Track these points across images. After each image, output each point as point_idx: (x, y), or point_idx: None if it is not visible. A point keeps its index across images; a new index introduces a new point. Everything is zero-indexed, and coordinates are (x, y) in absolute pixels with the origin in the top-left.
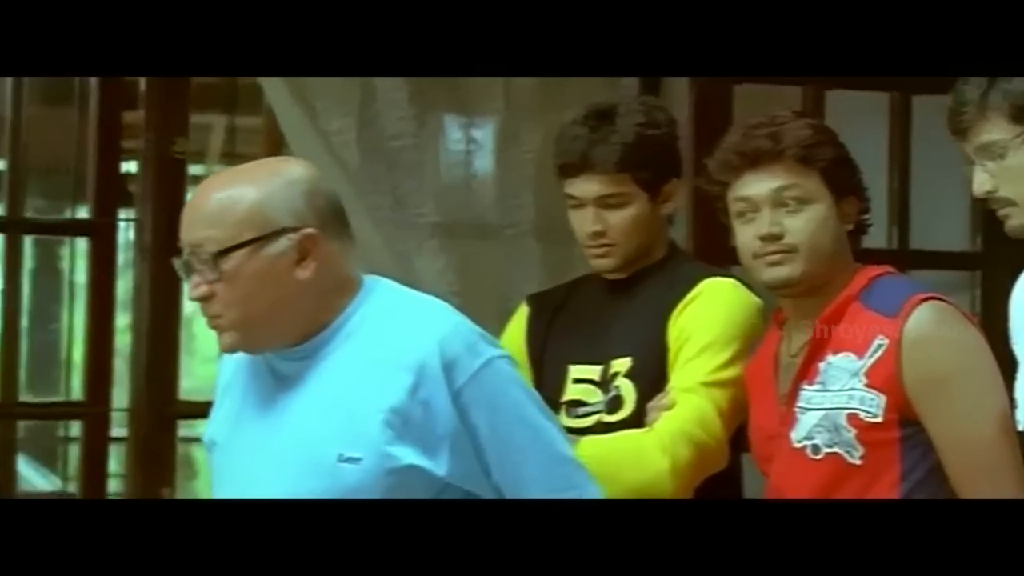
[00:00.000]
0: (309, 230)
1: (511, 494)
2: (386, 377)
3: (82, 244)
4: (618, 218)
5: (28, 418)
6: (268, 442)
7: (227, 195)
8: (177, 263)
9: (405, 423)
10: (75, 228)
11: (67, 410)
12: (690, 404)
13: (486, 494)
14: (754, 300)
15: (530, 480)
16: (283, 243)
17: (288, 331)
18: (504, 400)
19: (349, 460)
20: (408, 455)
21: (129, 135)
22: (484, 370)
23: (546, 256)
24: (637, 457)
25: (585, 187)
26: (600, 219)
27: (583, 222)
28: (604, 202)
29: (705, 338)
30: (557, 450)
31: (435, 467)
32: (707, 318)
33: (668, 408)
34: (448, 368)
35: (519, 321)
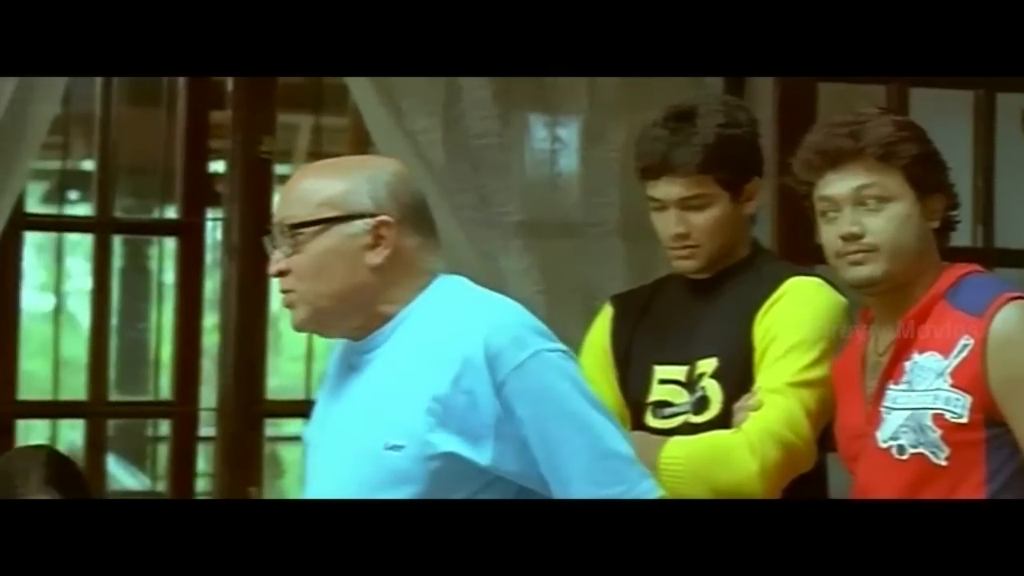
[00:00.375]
0: (385, 217)
1: (556, 488)
2: (432, 367)
3: (170, 244)
4: (701, 219)
5: (117, 417)
6: (334, 435)
7: (316, 179)
8: (266, 240)
9: (447, 411)
10: (163, 228)
11: (156, 409)
12: (777, 405)
13: (537, 487)
14: (839, 299)
15: (575, 474)
16: (358, 226)
17: (354, 315)
18: (549, 393)
19: (394, 448)
20: (448, 442)
21: (217, 135)
22: (529, 362)
23: (631, 254)
24: (726, 458)
25: (667, 189)
26: (683, 221)
27: (666, 224)
28: (686, 204)
29: (791, 338)
30: (605, 444)
31: (477, 456)
32: (792, 318)
33: (755, 409)
34: (492, 359)
35: (603, 322)
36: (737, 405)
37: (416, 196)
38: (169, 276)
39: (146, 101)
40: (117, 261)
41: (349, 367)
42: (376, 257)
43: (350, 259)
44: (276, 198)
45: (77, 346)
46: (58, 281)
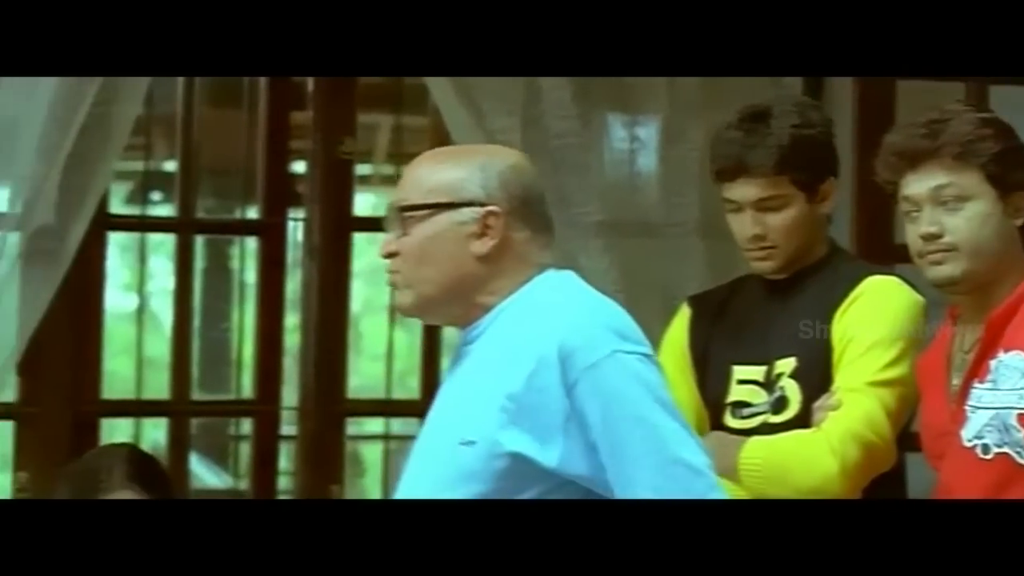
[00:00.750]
0: (494, 208)
1: (621, 495)
2: (511, 364)
3: (252, 244)
4: (777, 220)
5: (200, 416)
6: (427, 427)
7: (432, 165)
8: (385, 220)
9: (519, 409)
10: (245, 228)
11: (238, 408)
12: (857, 404)
13: (605, 493)
14: (917, 298)
15: (639, 481)
16: (467, 214)
17: (456, 304)
18: (620, 395)
19: (467, 443)
20: (516, 441)
21: (297, 135)
22: (602, 363)
23: (710, 254)
24: (806, 459)
25: (743, 191)
26: (759, 222)
27: (743, 226)
28: (762, 205)
29: (870, 337)
30: (672, 452)
31: (544, 457)
32: (871, 317)
33: (835, 409)
34: (565, 359)
35: (681, 322)
36: (816, 404)
37: (530, 189)
38: (250, 276)
39: (228, 102)
40: (199, 261)
41: (455, 358)
42: (482, 247)
43: (456, 246)
44: (358, 197)
45: (159, 346)
46: (141, 281)
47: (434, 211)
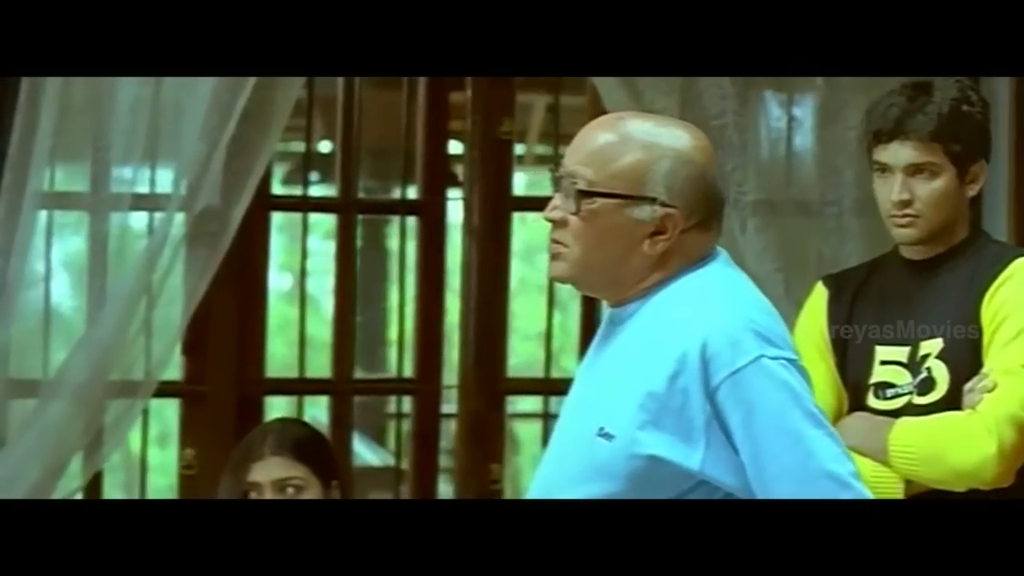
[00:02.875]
0: (674, 211)
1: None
2: (653, 360)
3: (411, 223)
4: (926, 189)
5: (362, 394)
6: (567, 409)
7: (618, 141)
8: (551, 175)
9: (661, 409)
10: (404, 208)
11: (399, 386)
12: (1013, 386)
13: (746, 494)
14: None
15: (783, 493)
16: (646, 211)
17: (615, 288)
18: (764, 403)
19: (606, 435)
20: (655, 443)
21: (456, 115)
22: (746, 369)
23: (866, 232)
24: (963, 440)
25: (897, 153)
26: (907, 187)
27: (890, 189)
28: (914, 170)
29: (1023, 319)
30: (818, 464)
31: (685, 460)
32: (1023, 298)
33: (989, 391)
34: (707, 362)
35: (818, 303)
36: (968, 386)
37: (712, 191)
38: (409, 256)
39: (387, 83)
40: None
41: (603, 335)
42: (653, 247)
43: (628, 242)
44: (516, 177)
45: (317, 325)
46: (301, 261)
47: (614, 201)
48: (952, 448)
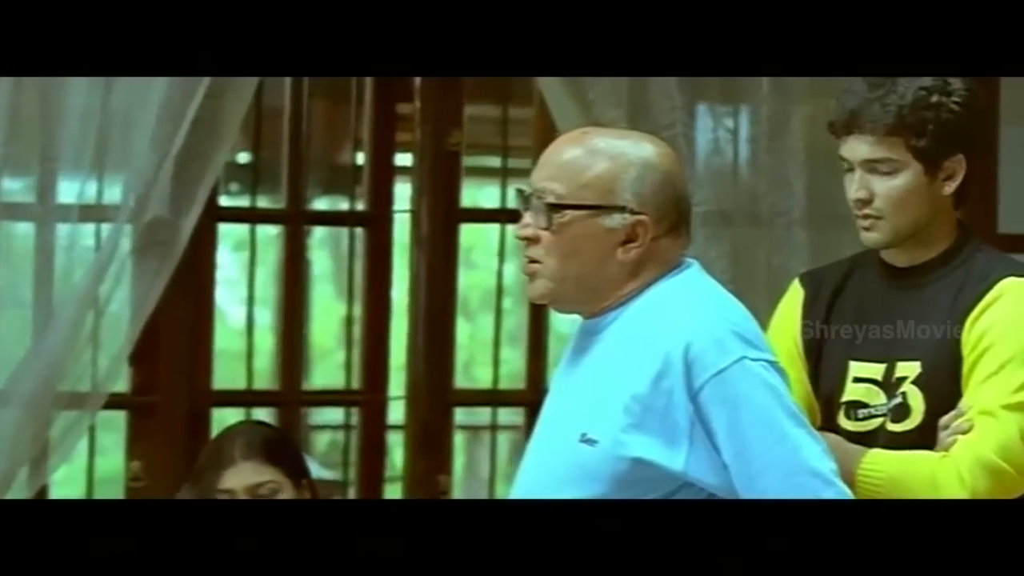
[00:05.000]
0: (644, 218)
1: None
2: (636, 363)
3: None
4: (885, 186)
5: (309, 405)
6: (545, 419)
7: (584, 154)
8: (518, 196)
9: (645, 411)
10: (352, 219)
11: (346, 398)
12: (990, 430)
13: (728, 498)
14: None
15: (767, 489)
16: (617, 219)
17: (591, 299)
18: (747, 402)
19: (588, 441)
20: (639, 445)
21: (404, 128)
22: (730, 369)
23: (815, 244)
24: (933, 485)
25: (853, 148)
26: (864, 185)
27: (849, 187)
28: (871, 166)
29: (1006, 351)
30: (802, 460)
31: (669, 461)
32: (1008, 326)
33: (964, 432)
34: (691, 364)
35: (792, 303)
36: (943, 422)
37: (678, 195)
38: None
39: (335, 94)
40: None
41: (577, 347)
42: (626, 254)
43: (601, 250)
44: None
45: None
46: (249, 271)
47: (584, 212)
48: (921, 490)
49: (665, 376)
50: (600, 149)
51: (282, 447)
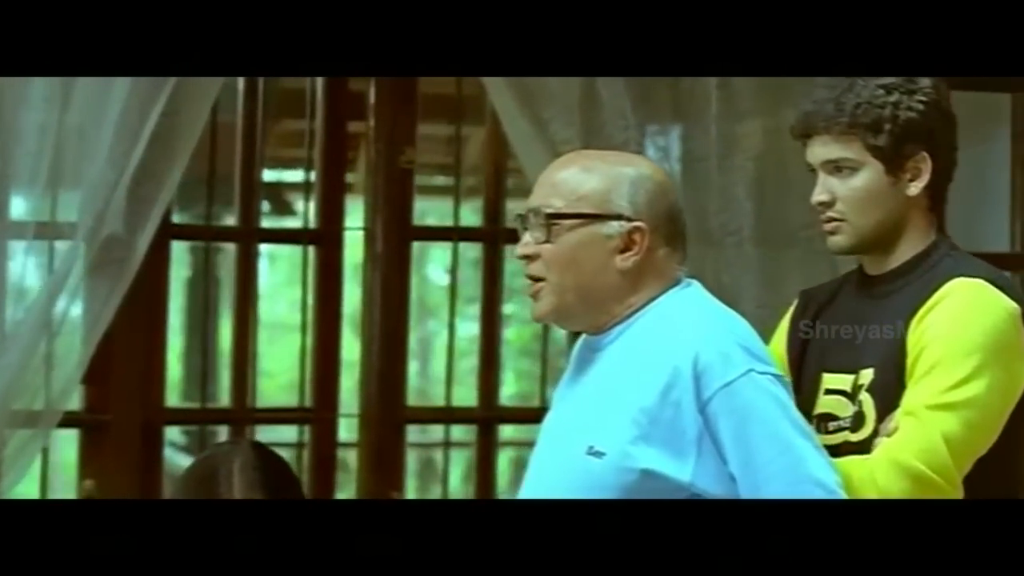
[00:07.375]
0: (640, 224)
1: None
2: (643, 376)
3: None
4: (845, 188)
5: (261, 423)
6: (549, 433)
7: (578, 171)
8: (517, 218)
9: (652, 423)
10: (305, 236)
11: (298, 415)
12: (911, 432)
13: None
14: (1007, 305)
15: (771, 497)
16: (613, 227)
17: (593, 312)
18: (755, 414)
19: (596, 454)
20: (647, 457)
21: (355, 145)
22: (738, 381)
23: (763, 262)
24: (849, 489)
25: (813, 150)
26: (826, 187)
27: (813, 191)
28: (830, 168)
29: (938, 351)
30: (807, 470)
31: (677, 473)
32: (945, 326)
33: (890, 434)
34: (699, 376)
35: (786, 318)
36: (881, 426)
37: (673, 206)
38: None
39: (288, 111)
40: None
41: (580, 363)
42: (624, 262)
43: (600, 259)
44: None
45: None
46: (204, 290)
47: (581, 221)
48: (849, 496)
49: (673, 388)
50: (595, 166)
51: (283, 475)
